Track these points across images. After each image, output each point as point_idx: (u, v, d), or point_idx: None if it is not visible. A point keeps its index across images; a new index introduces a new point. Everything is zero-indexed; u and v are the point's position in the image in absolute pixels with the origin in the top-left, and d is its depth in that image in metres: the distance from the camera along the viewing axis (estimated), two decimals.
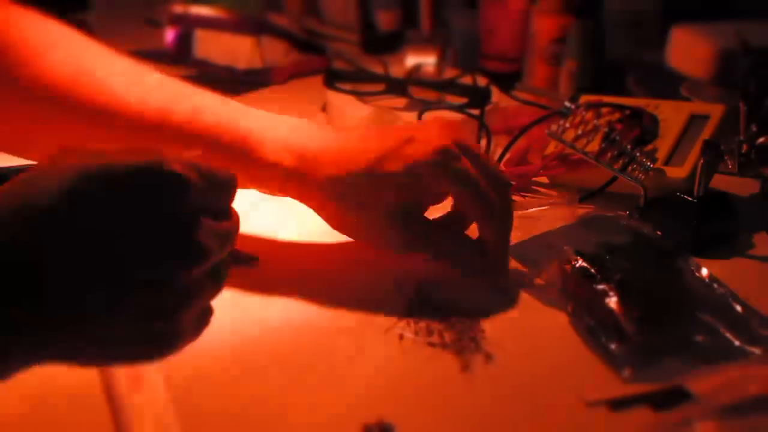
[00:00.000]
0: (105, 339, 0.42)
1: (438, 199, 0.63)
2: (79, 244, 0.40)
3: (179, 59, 1.11)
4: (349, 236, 0.63)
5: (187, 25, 1.13)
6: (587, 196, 0.73)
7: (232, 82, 1.03)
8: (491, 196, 0.58)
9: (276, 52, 1.12)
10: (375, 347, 0.55)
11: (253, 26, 1.14)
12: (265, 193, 0.64)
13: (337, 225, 0.62)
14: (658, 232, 0.62)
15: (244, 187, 0.61)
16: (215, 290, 0.45)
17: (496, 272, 0.61)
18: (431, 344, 0.55)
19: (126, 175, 0.41)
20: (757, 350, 0.53)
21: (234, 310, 0.58)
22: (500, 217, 0.60)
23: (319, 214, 0.62)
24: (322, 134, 0.62)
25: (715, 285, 0.58)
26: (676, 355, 0.53)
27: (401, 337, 0.55)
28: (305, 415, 0.48)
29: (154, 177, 0.41)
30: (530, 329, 0.57)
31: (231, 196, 0.47)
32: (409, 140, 0.59)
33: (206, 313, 0.46)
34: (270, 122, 0.62)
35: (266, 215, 0.71)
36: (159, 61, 0.98)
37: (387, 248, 0.62)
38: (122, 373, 0.50)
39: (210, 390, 0.50)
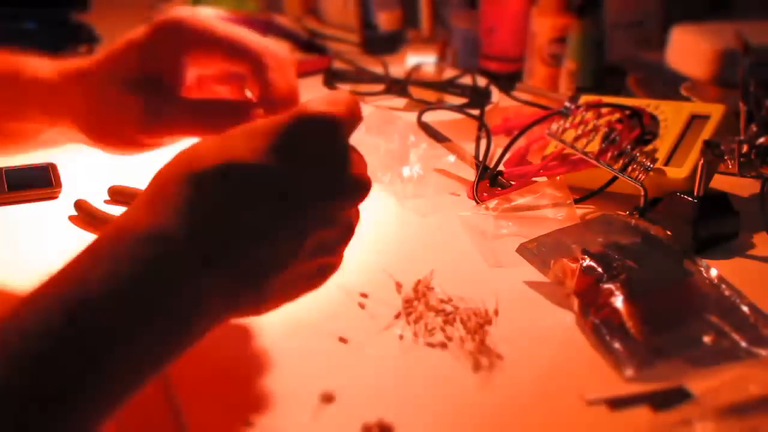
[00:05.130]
0: (282, 284, 0.46)
1: (204, 89, 0.60)
2: (251, 201, 0.44)
3: None
4: (108, 141, 0.58)
5: None
6: (587, 196, 0.73)
7: None
8: (245, 41, 0.56)
9: None
10: (375, 347, 0.55)
11: (258, 27, 1.14)
12: (33, 139, 0.62)
13: (90, 124, 0.58)
14: (668, 232, 0.62)
15: (13, 135, 0.61)
16: (357, 225, 0.50)
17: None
18: (431, 344, 0.55)
19: (280, 130, 0.45)
20: (764, 352, 0.53)
21: None
22: (270, 59, 0.55)
23: (80, 129, 0.58)
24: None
25: (723, 286, 0.58)
26: (682, 355, 0.53)
27: (401, 337, 0.55)
28: (305, 414, 0.48)
29: (308, 123, 0.46)
30: (535, 328, 0.57)
31: (361, 114, 0.50)
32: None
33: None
34: (42, 59, 0.60)
35: None
36: None
37: (133, 129, 0.57)
38: None
39: (210, 390, 0.50)
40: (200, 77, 0.59)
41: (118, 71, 0.56)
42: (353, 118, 0.48)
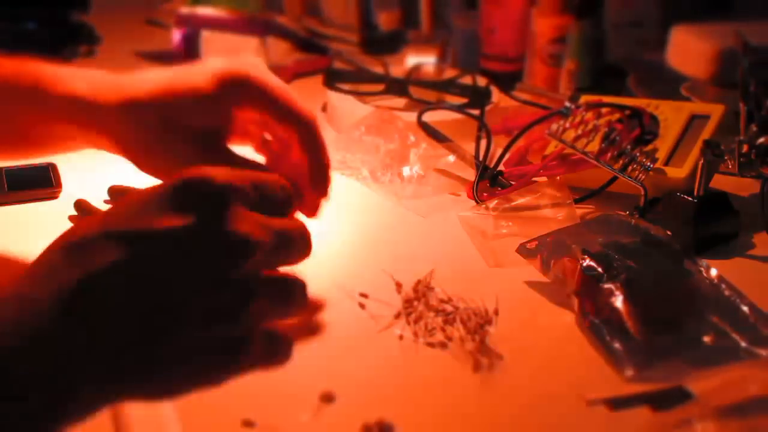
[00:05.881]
0: (179, 357, 0.41)
1: (244, 133, 0.62)
2: (128, 280, 0.40)
3: (186, 61, 1.11)
4: (150, 170, 0.59)
5: (194, 27, 1.13)
6: (587, 196, 0.73)
7: None
8: (298, 108, 0.58)
9: (280, 52, 1.12)
10: (374, 347, 0.55)
11: (259, 27, 1.14)
12: (63, 148, 0.63)
13: (137, 153, 0.59)
14: (668, 232, 0.62)
15: (41, 144, 0.62)
16: (275, 290, 0.44)
17: (314, 201, 0.59)
18: (431, 344, 0.55)
19: (163, 197, 0.42)
20: (764, 352, 0.53)
21: None
22: (315, 132, 0.58)
23: (121, 152, 0.59)
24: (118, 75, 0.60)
25: (723, 286, 0.58)
26: (682, 355, 0.53)
27: (401, 337, 0.56)
28: (305, 414, 0.48)
29: (189, 187, 0.42)
30: (535, 328, 0.57)
31: (289, 209, 0.47)
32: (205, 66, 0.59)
33: (278, 338, 0.45)
34: (66, 69, 0.60)
35: None
36: (166, 62, 0.98)
37: (181, 168, 0.57)
38: None
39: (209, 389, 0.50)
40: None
41: (179, 116, 0.57)
42: (251, 191, 0.44)
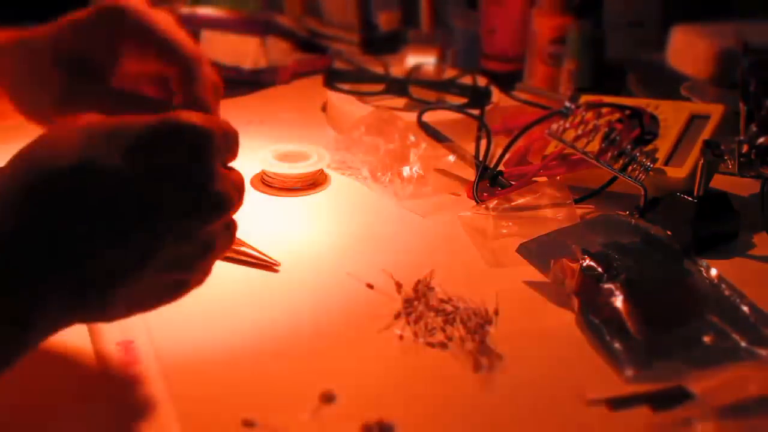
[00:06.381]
0: (130, 294, 0.44)
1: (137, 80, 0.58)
2: (103, 206, 0.41)
3: None
4: (33, 110, 0.58)
5: (194, 26, 1.13)
6: (587, 196, 0.73)
7: (238, 82, 1.03)
8: (179, 41, 0.54)
9: (280, 52, 1.12)
10: (374, 347, 0.55)
11: (259, 27, 1.14)
12: None
13: (21, 87, 0.58)
14: (668, 232, 0.62)
15: None
16: (229, 242, 0.48)
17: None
18: (431, 344, 0.55)
19: (146, 131, 0.43)
20: (764, 352, 0.53)
21: (238, 308, 0.58)
22: (197, 70, 0.54)
23: (6, 87, 0.58)
24: None
25: (723, 286, 0.58)
26: (682, 355, 0.53)
27: (401, 337, 0.55)
28: (305, 414, 0.48)
29: (175, 131, 0.43)
30: (535, 328, 0.57)
31: (237, 149, 0.48)
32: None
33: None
34: None
35: (284, 222, 0.72)
36: None
37: (49, 103, 0.56)
38: (120, 369, 0.50)
39: (209, 389, 0.50)
40: (137, 74, 0.58)
41: (50, 44, 0.55)
42: (227, 143, 0.46)
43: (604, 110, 0.75)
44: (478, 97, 0.90)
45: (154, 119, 0.43)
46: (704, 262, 0.60)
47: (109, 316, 0.46)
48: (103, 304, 0.44)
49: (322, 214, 0.73)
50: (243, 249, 0.64)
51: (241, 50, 1.08)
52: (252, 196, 0.68)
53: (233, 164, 0.48)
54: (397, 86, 0.93)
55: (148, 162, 0.42)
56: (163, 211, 0.43)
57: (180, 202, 0.43)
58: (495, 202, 0.70)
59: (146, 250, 0.43)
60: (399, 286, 0.60)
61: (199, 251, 0.45)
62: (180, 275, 0.46)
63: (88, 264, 0.42)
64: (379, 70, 0.98)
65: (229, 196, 0.45)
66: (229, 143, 0.47)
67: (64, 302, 0.42)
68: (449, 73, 1.00)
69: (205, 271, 0.48)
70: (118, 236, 0.42)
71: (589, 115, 0.75)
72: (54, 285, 0.41)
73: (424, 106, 0.89)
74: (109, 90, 0.56)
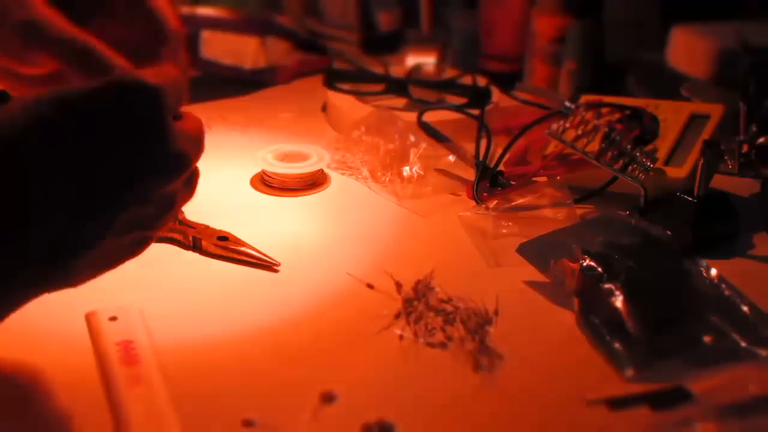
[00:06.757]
0: (92, 260, 0.44)
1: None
2: (59, 171, 0.40)
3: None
4: None
5: (194, 26, 1.13)
6: (587, 196, 0.73)
7: (239, 82, 1.03)
8: None
9: (280, 52, 1.12)
10: (374, 347, 0.55)
11: (259, 27, 1.14)
12: None
13: None
14: (668, 232, 0.62)
15: None
16: (190, 194, 0.48)
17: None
18: (431, 344, 0.55)
19: (94, 94, 0.41)
20: (764, 352, 0.53)
21: (238, 308, 0.58)
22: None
23: None
24: None
25: (723, 285, 0.58)
26: (682, 355, 0.53)
27: (401, 337, 0.55)
28: (305, 414, 0.48)
29: (126, 91, 0.41)
30: (535, 328, 0.57)
31: (188, 94, 0.46)
32: None
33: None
34: None
35: (284, 222, 0.72)
36: None
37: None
38: (120, 369, 0.50)
39: (209, 389, 0.50)
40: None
41: None
42: (177, 93, 0.44)
43: (604, 110, 0.74)
44: (478, 97, 0.90)
45: (101, 83, 0.41)
46: (704, 262, 0.60)
47: (75, 281, 0.45)
48: (67, 272, 0.44)
49: (322, 214, 0.73)
50: (243, 249, 0.64)
51: (241, 50, 1.08)
52: (252, 196, 0.68)
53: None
54: (397, 86, 0.93)
55: (100, 128, 0.41)
56: (119, 179, 0.42)
57: (136, 168, 0.42)
58: (495, 202, 0.71)
59: (107, 217, 0.42)
60: (399, 286, 0.60)
61: (161, 210, 0.46)
62: (141, 234, 0.46)
63: (50, 234, 0.41)
64: (379, 70, 0.99)
65: (186, 153, 0.44)
66: (180, 91, 0.45)
67: (26, 278, 0.42)
68: (449, 73, 1.00)
69: (166, 225, 0.48)
70: (76, 205, 0.41)
71: (589, 115, 0.75)
72: (15, 261, 0.41)
73: (424, 106, 0.89)
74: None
